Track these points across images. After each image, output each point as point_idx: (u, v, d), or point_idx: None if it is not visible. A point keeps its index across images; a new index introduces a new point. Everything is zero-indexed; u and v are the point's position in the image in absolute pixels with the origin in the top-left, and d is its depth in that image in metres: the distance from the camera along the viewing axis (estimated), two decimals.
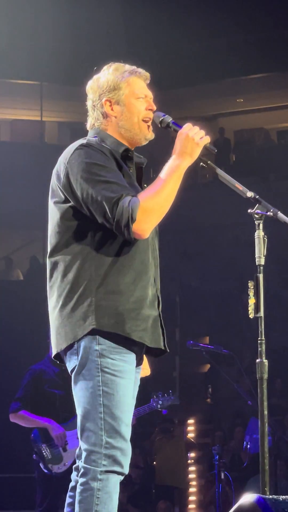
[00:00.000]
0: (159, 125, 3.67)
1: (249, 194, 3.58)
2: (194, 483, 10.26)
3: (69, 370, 3.55)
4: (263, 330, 3.56)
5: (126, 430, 3.47)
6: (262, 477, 3.50)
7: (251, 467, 9.85)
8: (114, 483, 3.44)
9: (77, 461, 3.57)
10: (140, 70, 3.72)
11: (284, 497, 3.33)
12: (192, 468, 10.41)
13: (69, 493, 3.58)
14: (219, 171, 3.60)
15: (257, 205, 3.59)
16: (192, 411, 12.03)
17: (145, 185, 3.59)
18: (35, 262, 18.14)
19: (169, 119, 3.65)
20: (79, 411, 3.50)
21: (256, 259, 3.57)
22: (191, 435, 10.76)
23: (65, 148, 3.61)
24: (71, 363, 3.52)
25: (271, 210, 3.58)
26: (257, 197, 3.59)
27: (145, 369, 3.81)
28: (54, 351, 3.59)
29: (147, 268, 3.56)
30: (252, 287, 3.53)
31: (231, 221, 15.99)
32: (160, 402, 7.63)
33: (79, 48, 17.58)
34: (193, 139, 3.51)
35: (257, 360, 3.58)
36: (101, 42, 17.54)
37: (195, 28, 18.34)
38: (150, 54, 18.77)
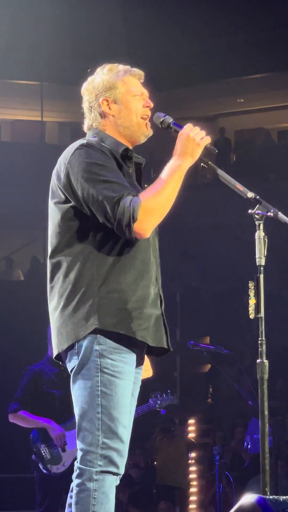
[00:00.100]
0: (160, 126, 3.68)
1: (250, 194, 3.59)
2: (194, 483, 10.25)
3: (69, 370, 3.55)
4: (263, 330, 3.57)
5: (123, 431, 3.47)
6: (262, 477, 3.50)
7: (251, 467, 9.85)
8: (110, 483, 3.44)
9: None
10: (134, 69, 3.74)
11: (284, 497, 3.33)
12: (192, 468, 10.41)
13: (70, 494, 3.58)
14: (220, 172, 3.60)
15: (258, 205, 3.59)
16: (192, 411, 12.03)
17: (146, 185, 3.60)
18: (36, 262, 18.15)
19: (169, 119, 3.66)
20: (76, 411, 3.51)
21: (257, 260, 3.57)
22: (191, 435, 10.75)
23: (66, 148, 3.61)
24: (71, 363, 3.52)
25: (272, 211, 3.58)
26: (257, 197, 3.59)
27: (148, 370, 3.81)
28: (55, 352, 3.59)
29: (148, 267, 3.56)
30: (253, 287, 3.53)
31: (231, 221, 15.98)
32: (159, 402, 7.63)
33: (79, 48, 17.59)
34: (194, 140, 3.52)
35: (258, 361, 3.59)
36: (101, 42, 17.54)
37: (195, 28, 18.35)
38: (150, 54, 18.77)
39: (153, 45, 18.80)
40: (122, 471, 3.49)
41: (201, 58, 18.87)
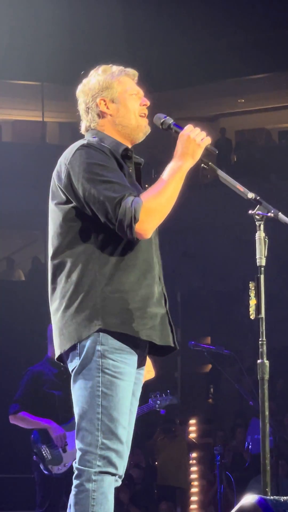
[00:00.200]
0: (160, 127, 3.68)
1: (250, 195, 3.59)
2: (195, 483, 10.26)
3: (70, 370, 3.54)
4: (264, 331, 3.57)
5: (123, 432, 3.47)
6: (263, 478, 3.50)
7: (252, 468, 9.86)
8: (108, 483, 3.44)
9: None
10: (128, 69, 3.75)
11: (285, 498, 3.34)
12: (193, 468, 10.41)
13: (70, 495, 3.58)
14: (220, 173, 3.61)
15: (258, 206, 3.59)
16: (193, 411, 12.04)
17: (146, 186, 3.60)
18: (37, 262, 18.14)
19: (170, 120, 3.66)
20: (76, 411, 3.50)
21: (257, 260, 3.58)
22: (192, 435, 10.76)
23: (66, 149, 3.62)
24: (72, 364, 3.51)
25: (272, 211, 3.58)
26: (258, 198, 3.59)
27: (150, 371, 3.81)
28: (57, 352, 3.58)
29: (151, 266, 3.57)
30: (253, 288, 3.54)
31: (232, 221, 15.99)
32: (158, 402, 7.63)
33: (80, 49, 17.59)
34: (194, 141, 3.52)
35: (258, 361, 3.59)
36: (102, 43, 17.54)
37: (196, 28, 18.35)
38: (151, 54, 18.79)
39: (154, 46, 18.81)
40: (121, 472, 3.48)
41: (202, 58, 18.87)
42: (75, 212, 3.51)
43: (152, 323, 3.51)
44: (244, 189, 3.60)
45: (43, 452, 6.89)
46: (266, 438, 3.54)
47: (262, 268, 3.57)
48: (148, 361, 3.75)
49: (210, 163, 3.63)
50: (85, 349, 3.46)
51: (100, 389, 3.43)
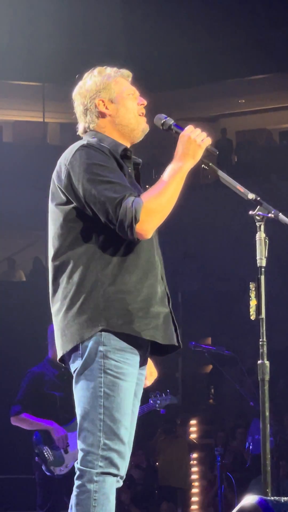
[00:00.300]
0: (161, 128, 3.68)
1: (251, 196, 3.59)
2: (196, 483, 10.26)
3: (72, 371, 3.54)
4: (264, 331, 3.57)
5: (125, 433, 3.47)
6: (264, 478, 3.50)
7: (253, 468, 9.85)
8: (110, 484, 3.43)
9: None
10: (122, 70, 3.77)
11: (286, 498, 3.34)
12: (194, 469, 10.41)
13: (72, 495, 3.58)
14: (221, 173, 3.61)
15: (258, 206, 3.59)
16: (194, 412, 12.03)
17: (147, 186, 3.61)
18: (38, 263, 18.13)
19: (170, 121, 3.66)
20: (78, 411, 3.50)
21: (258, 261, 3.58)
22: (193, 436, 10.76)
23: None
24: (74, 364, 3.51)
25: (272, 212, 3.59)
26: (258, 199, 3.60)
27: (153, 373, 3.81)
28: (59, 353, 3.58)
29: (153, 266, 3.57)
30: (254, 288, 3.54)
31: (232, 222, 15.99)
32: (159, 401, 7.63)
33: (80, 49, 17.59)
34: (195, 141, 3.52)
35: (259, 362, 3.59)
36: (102, 43, 17.55)
37: (196, 29, 18.35)
38: (152, 55, 18.79)
39: (154, 46, 18.80)
40: (123, 472, 3.48)
41: (202, 59, 18.86)
42: (76, 213, 3.51)
43: (155, 323, 3.51)
44: (245, 190, 3.60)
45: (45, 454, 6.88)
46: (267, 438, 3.54)
47: (263, 269, 3.57)
48: (150, 362, 3.75)
49: (210, 164, 3.63)
50: (87, 350, 3.45)
51: (102, 390, 3.43)
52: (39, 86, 19.64)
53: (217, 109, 21.66)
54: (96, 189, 3.41)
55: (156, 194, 3.44)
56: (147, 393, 7.67)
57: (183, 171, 3.50)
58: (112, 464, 3.44)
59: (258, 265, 3.57)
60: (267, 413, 3.53)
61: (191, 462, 10.47)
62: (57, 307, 3.56)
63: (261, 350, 3.58)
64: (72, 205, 3.52)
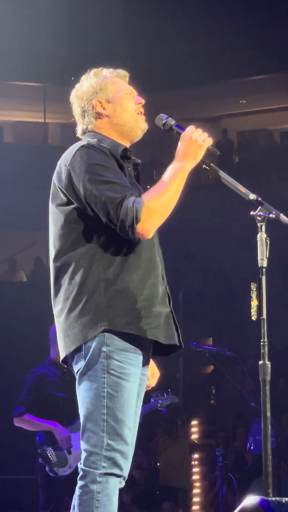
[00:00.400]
0: (162, 128, 3.68)
1: (252, 196, 3.59)
2: (197, 484, 10.25)
3: (75, 372, 3.54)
4: (265, 332, 3.57)
5: (128, 433, 3.47)
6: (265, 479, 3.50)
7: (254, 469, 9.85)
8: (113, 485, 3.43)
9: None
10: (118, 70, 3.77)
11: (287, 499, 3.33)
12: (195, 470, 10.41)
13: (74, 496, 3.57)
14: (222, 174, 3.61)
15: (260, 207, 3.60)
16: (195, 412, 12.02)
17: (148, 186, 3.61)
18: (39, 263, 18.14)
19: (172, 121, 3.66)
20: (81, 412, 3.50)
21: (259, 261, 3.58)
22: (194, 436, 10.75)
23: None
24: (77, 365, 3.51)
25: (274, 212, 3.59)
26: (259, 199, 3.60)
27: (155, 373, 3.81)
28: (62, 355, 3.57)
29: (154, 265, 3.57)
30: (255, 289, 3.54)
31: (233, 222, 15.99)
32: (160, 401, 7.63)
33: (81, 50, 17.60)
34: (196, 141, 3.53)
35: (260, 362, 3.59)
36: (103, 44, 17.55)
37: (198, 29, 18.35)
38: (152, 55, 18.80)
39: (155, 46, 18.80)
40: (126, 473, 3.48)
41: (203, 59, 18.87)
42: (77, 213, 3.51)
43: (157, 322, 3.51)
44: (246, 190, 3.60)
45: (49, 454, 6.88)
46: (268, 439, 3.54)
47: (264, 269, 3.57)
48: (152, 363, 3.75)
49: (211, 164, 3.63)
50: (90, 350, 3.45)
51: (106, 390, 3.43)
52: (39, 87, 19.65)
53: (218, 109, 21.66)
54: (97, 189, 3.41)
55: (157, 194, 3.44)
56: (149, 393, 7.67)
57: (184, 171, 3.50)
58: (116, 464, 3.43)
59: (259, 265, 3.57)
60: (268, 414, 3.53)
61: (192, 462, 10.46)
62: (59, 308, 3.56)
63: (262, 351, 3.58)
64: (73, 206, 3.52)
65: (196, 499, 10.12)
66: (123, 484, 3.53)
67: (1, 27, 17.10)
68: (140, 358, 3.52)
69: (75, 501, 3.46)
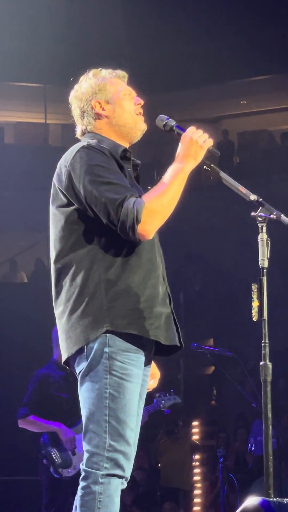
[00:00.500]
0: (163, 129, 3.68)
1: (252, 197, 3.59)
2: (198, 485, 10.26)
3: (77, 373, 3.54)
4: (266, 332, 3.57)
5: (130, 434, 3.46)
6: (266, 480, 3.50)
7: (255, 469, 9.85)
8: (115, 486, 3.43)
9: None
10: (117, 71, 3.77)
11: None
12: (196, 470, 10.41)
13: (76, 496, 3.57)
14: (223, 174, 3.61)
15: (260, 208, 3.60)
16: (196, 413, 12.02)
17: (149, 187, 3.61)
18: (40, 264, 18.13)
19: (172, 122, 3.67)
20: (84, 413, 3.50)
21: (260, 262, 3.58)
22: (195, 437, 10.75)
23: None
24: (80, 366, 3.51)
25: (274, 213, 3.59)
26: (260, 200, 3.60)
27: (156, 374, 3.80)
28: (64, 356, 3.57)
29: (155, 266, 3.57)
30: (256, 290, 3.54)
31: (234, 223, 15.99)
32: (163, 401, 7.63)
33: (82, 51, 17.60)
34: (196, 142, 3.53)
35: (261, 363, 3.59)
36: (104, 45, 17.55)
37: (198, 30, 18.34)
38: (153, 56, 18.79)
39: (156, 48, 18.80)
40: (128, 474, 3.48)
41: (204, 60, 18.87)
42: (77, 215, 3.51)
43: (158, 323, 3.51)
44: (247, 191, 3.60)
45: (53, 456, 6.88)
46: (269, 440, 3.54)
47: (265, 270, 3.57)
48: (152, 364, 3.75)
49: (212, 165, 3.63)
50: (92, 351, 3.45)
51: (108, 391, 3.43)
52: (40, 88, 19.65)
53: (219, 110, 21.66)
54: (97, 190, 3.42)
55: (157, 194, 3.44)
56: (152, 393, 7.67)
57: (184, 172, 3.50)
58: (118, 465, 3.43)
59: (260, 266, 3.58)
60: (270, 414, 3.53)
61: (193, 463, 10.47)
62: (60, 309, 3.56)
63: (263, 351, 3.58)
64: (73, 207, 3.52)
65: (197, 500, 10.12)
66: (125, 485, 3.52)
67: (2, 27, 17.10)
68: (142, 358, 3.52)
69: (77, 502, 3.46)
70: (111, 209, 3.39)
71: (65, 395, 6.94)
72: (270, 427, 3.53)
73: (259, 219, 3.59)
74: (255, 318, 3.55)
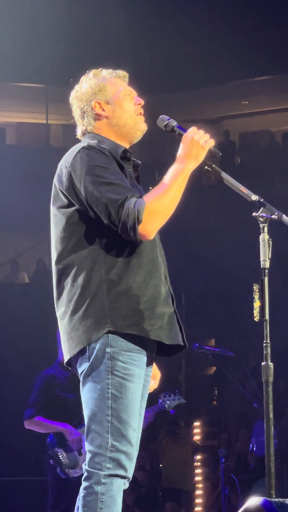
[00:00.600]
0: (164, 129, 3.68)
1: (254, 197, 3.59)
2: (200, 485, 10.26)
3: (79, 373, 3.54)
4: (268, 333, 3.57)
5: (133, 434, 3.46)
6: (268, 480, 3.50)
7: (257, 470, 9.85)
8: (117, 486, 3.43)
9: None
10: (118, 71, 3.77)
11: None
12: (198, 471, 10.41)
13: (78, 496, 3.57)
14: (224, 175, 3.61)
15: (262, 208, 3.60)
16: (198, 413, 12.03)
17: (150, 188, 3.61)
18: (42, 265, 18.13)
19: (173, 123, 3.66)
20: (86, 413, 3.50)
21: (261, 262, 3.58)
22: (197, 438, 10.76)
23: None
24: (82, 367, 3.51)
25: (276, 213, 3.59)
26: (261, 200, 3.60)
27: (156, 374, 3.80)
28: (66, 357, 3.57)
29: (156, 266, 3.57)
30: (257, 290, 3.54)
31: (236, 223, 15.98)
32: (168, 402, 7.63)
33: (84, 52, 17.61)
34: (198, 143, 3.53)
35: (263, 363, 3.59)
36: (105, 46, 17.56)
37: (199, 30, 18.35)
38: (154, 56, 18.80)
39: (157, 48, 18.81)
40: (130, 474, 3.48)
41: (205, 60, 18.87)
42: (78, 215, 3.51)
43: (160, 323, 3.51)
44: (248, 191, 3.60)
45: (60, 456, 6.88)
46: (271, 440, 3.54)
47: (266, 270, 3.57)
48: (154, 365, 3.75)
49: (213, 165, 3.63)
50: (94, 352, 3.45)
51: (110, 391, 3.43)
52: (42, 88, 19.65)
53: (220, 110, 21.66)
54: (98, 191, 3.41)
55: (158, 195, 3.44)
56: (156, 393, 7.67)
57: (185, 172, 3.50)
58: (120, 465, 3.43)
59: (262, 266, 3.57)
60: (271, 415, 3.53)
61: (195, 463, 10.47)
62: (62, 310, 3.55)
63: (264, 352, 3.58)
64: (74, 208, 3.52)
65: (198, 500, 10.12)
66: (127, 485, 3.52)
67: (3, 28, 17.11)
68: (144, 358, 3.52)
69: (79, 502, 3.47)
70: (112, 210, 3.38)
71: (70, 396, 6.94)
72: (272, 427, 3.53)
73: (261, 219, 3.59)
74: (256, 319, 3.55)
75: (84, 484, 3.45)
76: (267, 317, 3.54)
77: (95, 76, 3.71)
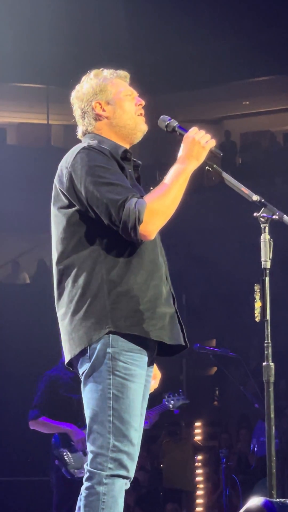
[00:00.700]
0: (165, 129, 3.68)
1: (255, 197, 3.59)
2: (201, 486, 10.26)
3: (80, 374, 3.55)
4: (269, 333, 3.57)
5: (134, 434, 3.46)
6: (269, 480, 3.50)
7: (258, 470, 9.85)
8: (119, 487, 3.43)
9: None
10: (119, 71, 3.77)
11: None
12: (199, 471, 10.41)
13: (79, 497, 3.57)
14: (225, 175, 3.61)
15: (263, 208, 3.60)
16: (199, 414, 12.02)
17: (151, 188, 3.61)
18: (42, 265, 18.13)
19: (174, 123, 3.66)
20: (87, 413, 3.50)
21: (262, 263, 3.58)
22: (198, 438, 10.75)
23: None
24: (83, 367, 3.52)
25: (277, 214, 3.59)
26: (262, 200, 3.60)
27: (156, 374, 3.80)
28: (67, 357, 3.58)
29: (157, 266, 3.57)
30: (258, 290, 3.54)
31: (237, 224, 15.98)
32: (172, 402, 7.63)
33: (85, 52, 17.61)
34: (199, 143, 3.52)
35: (264, 364, 3.59)
36: (106, 46, 17.56)
37: (200, 31, 18.35)
38: (155, 57, 18.79)
39: (158, 49, 18.81)
40: (132, 474, 3.48)
41: (206, 60, 18.87)
42: (79, 216, 3.51)
43: (161, 323, 3.51)
44: (249, 192, 3.60)
45: (65, 456, 6.89)
46: (272, 440, 3.54)
47: (267, 271, 3.57)
48: (154, 366, 3.74)
49: (214, 166, 3.63)
50: (95, 352, 3.45)
51: (111, 392, 3.43)
52: (43, 88, 19.66)
53: (221, 111, 21.66)
54: (98, 191, 3.41)
55: (159, 195, 3.44)
56: (160, 394, 7.67)
57: (186, 173, 3.50)
58: (122, 466, 3.43)
59: (263, 266, 3.57)
60: (272, 415, 3.53)
61: (196, 464, 10.47)
62: (63, 311, 3.55)
63: (266, 352, 3.58)
64: (74, 208, 3.52)
65: (199, 501, 10.12)
66: (129, 485, 3.53)
67: (4, 29, 17.11)
68: (145, 358, 3.52)
69: (80, 502, 3.47)
70: (112, 210, 3.38)
71: (75, 396, 6.93)
72: (273, 427, 3.53)
73: (262, 219, 3.59)
74: (257, 319, 3.55)
75: (85, 484, 3.45)
76: (268, 317, 3.54)
77: (96, 76, 3.71)
